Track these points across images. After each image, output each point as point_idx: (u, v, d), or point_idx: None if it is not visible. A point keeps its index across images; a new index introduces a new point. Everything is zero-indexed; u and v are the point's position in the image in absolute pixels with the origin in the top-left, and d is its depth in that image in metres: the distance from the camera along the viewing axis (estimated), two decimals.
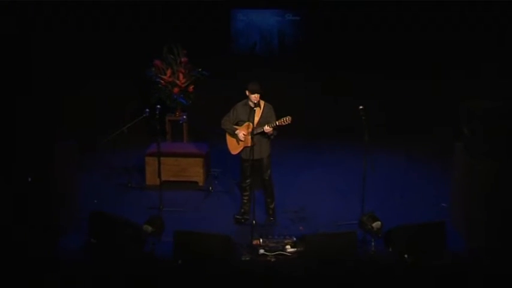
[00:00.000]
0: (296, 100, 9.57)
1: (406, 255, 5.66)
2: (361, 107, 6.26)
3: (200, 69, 8.68)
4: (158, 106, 6.95)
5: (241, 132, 6.42)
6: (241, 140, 6.38)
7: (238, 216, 6.71)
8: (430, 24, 8.89)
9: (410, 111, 9.40)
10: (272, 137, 6.37)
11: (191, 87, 8.73)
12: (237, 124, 6.48)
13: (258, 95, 6.23)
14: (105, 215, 6.11)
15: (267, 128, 6.19)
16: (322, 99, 9.82)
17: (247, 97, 6.33)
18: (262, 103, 6.38)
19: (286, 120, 6.13)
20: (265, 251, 5.84)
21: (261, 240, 5.95)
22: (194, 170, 7.71)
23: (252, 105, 6.30)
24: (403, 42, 9.12)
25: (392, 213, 6.61)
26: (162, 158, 7.03)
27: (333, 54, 9.63)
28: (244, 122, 6.40)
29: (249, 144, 6.31)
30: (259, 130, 6.30)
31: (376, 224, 6.03)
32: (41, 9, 8.49)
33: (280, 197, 6.90)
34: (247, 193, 6.61)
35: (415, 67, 9.12)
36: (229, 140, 6.54)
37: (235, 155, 6.53)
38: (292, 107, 10.03)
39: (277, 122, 6.16)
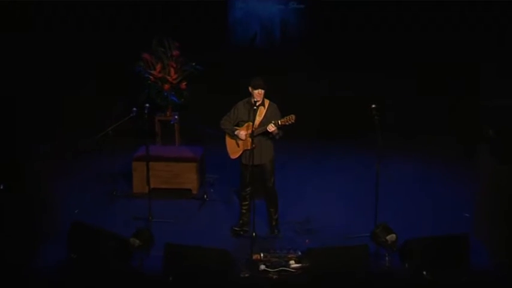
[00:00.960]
0: (300, 98, 9.59)
1: (424, 272, 5.66)
2: (373, 106, 6.29)
3: (194, 64, 8.68)
4: (147, 105, 6.93)
5: (241, 133, 6.39)
6: (242, 139, 6.36)
7: (236, 228, 6.70)
8: (447, 24, 9.23)
9: (423, 111, 9.57)
10: (277, 137, 6.35)
11: (184, 84, 8.73)
12: (237, 125, 6.48)
13: (262, 91, 6.23)
14: (87, 227, 6.08)
15: (271, 127, 6.20)
16: (329, 97, 9.90)
17: (250, 95, 6.34)
18: (266, 102, 6.39)
19: (290, 119, 6.13)
20: (267, 266, 5.83)
21: (262, 255, 5.95)
22: (187, 176, 7.71)
23: (255, 103, 6.30)
24: (416, 38, 9.38)
25: (409, 225, 6.61)
26: (151, 163, 7.06)
27: (342, 48, 9.70)
28: (246, 121, 6.40)
29: (249, 147, 6.31)
30: (260, 131, 6.30)
31: (391, 237, 6.03)
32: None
33: (284, 206, 6.89)
34: (246, 202, 6.60)
35: (427, 65, 9.36)
36: (229, 142, 6.53)
37: (235, 159, 6.52)
38: (296, 106, 10.05)
39: (280, 121, 6.16)
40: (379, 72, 9.42)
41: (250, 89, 6.30)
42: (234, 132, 6.43)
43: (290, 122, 6.12)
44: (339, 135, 9.69)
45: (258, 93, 6.25)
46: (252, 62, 9.46)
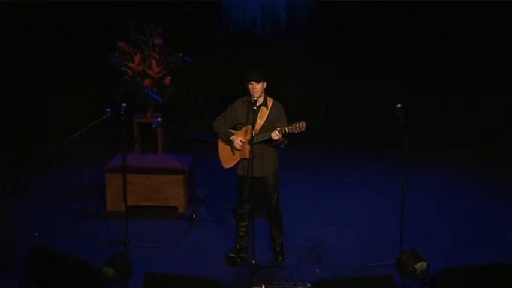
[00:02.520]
0: (309, 98, 9.67)
1: None
2: (399, 106, 6.30)
3: (180, 54, 8.67)
4: (123, 104, 6.92)
5: (238, 139, 6.39)
6: (238, 149, 6.36)
7: (232, 255, 6.68)
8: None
9: (452, 116, 9.86)
10: (282, 145, 6.36)
11: (168, 79, 8.72)
12: (234, 128, 6.48)
13: (256, 85, 6.23)
14: (49, 253, 6.06)
15: (275, 135, 6.16)
16: (344, 96, 10.00)
17: (249, 93, 6.36)
18: (270, 101, 6.41)
19: (299, 127, 6.11)
20: None
21: (263, 287, 5.89)
22: (172, 192, 7.71)
23: (255, 102, 6.28)
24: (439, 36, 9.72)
25: (442, 250, 6.65)
26: (128, 175, 7.05)
27: (360, 37, 9.80)
28: (244, 124, 6.41)
29: (247, 156, 6.29)
30: (262, 137, 6.30)
31: (421, 265, 5.99)
32: None
33: (290, 228, 6.90)
34: (245, 223, 6.59)
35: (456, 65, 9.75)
36: (222, 148, 6.53)
37: (229, 169, 6.52)
38: (304, 107, 10.23)
39: (287, 129, 6.15)
40: (399, 72, 9.79)
41: (246, 84, 6.32)
42: (229, 137, 6.42)
43: (299, 131, 6.12)
44: (355, 142, 9.83)
45: (251, 88, 6.26)
46: (251, 53, 9.54)
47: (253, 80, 6.24)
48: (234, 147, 6.42)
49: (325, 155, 9.75)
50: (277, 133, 6.16)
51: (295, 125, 6.12)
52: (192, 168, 7.81)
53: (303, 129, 6.09)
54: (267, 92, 6.40)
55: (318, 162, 9.48)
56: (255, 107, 6.26)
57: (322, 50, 9.95)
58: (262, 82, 6.27)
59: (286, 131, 6.15)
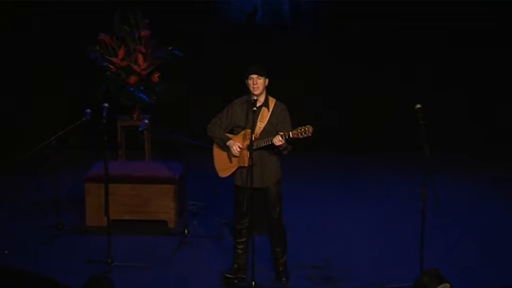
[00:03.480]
0: (316, 98, 9.66)
1: None
2: (418, 106, 6.30)
3: (170, 48, 8.69)
4: (105, 105, 6.89)
5: (235, 144, 6.38)
6: (236, 156, 6.37)
7: (229, 275, 6.65)
8: None
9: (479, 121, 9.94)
10: (285, 152, 6.34)
11: (156, 76, 8.75)
12: (231, 131, 6.47)
13: (257, 78, 6.23)
14: (20, 274, 6.03)
15: (277, 140, 6.14)
16: (355, 96, 10.04)
17: (248, 91, 6.36)
18: (272, 101, 6.39)
19: (305, 131, 6.08)
20: None
21: None
22: (161, 204, 7.71)
23: (255, 102, 6.27)
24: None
25: (467, 271, 6.64)
26: (111, 185, 7.03)
27: (373, 28, 9.85)
28: (243, 128, 6.40)
29: (246, 164, 6.28)
30: (262, 143, 6.28)
31: (443, 287, 6.00)
32: None
33: (294, 244, 6.89)
34: (243, 239, 6.57)
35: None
36: (218, 154, 6.53)
37: (226, 178, 6.51)
38: (310, 107, 10.26)
39: (291, 133, 6.14)
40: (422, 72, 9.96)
41: (246, 82, 6.32)
42: (225, 142, 6.41)
43: (305, 135, 6.10)
44: (369, 148, 9.86)
45: (251, 84, 6.25)
46: (251, 46, 9.55)
47: (254, 74, 6.23)
48: (231, 154, 6.40)
49: (335, 162, 9.78)
50: (280, 138, 6.14)
51: (301, 130, 6.10)
52: (183, 177, 7.77)
53: (310, 134, 6.07)
54: (269, 92, 6.40)
55: (326, 170, 9.51)
56: (255, 108, 6.24)
57: (330, 44, 10.01)
58: (264, 78, 6.27)
59: (290, 136, 6.12)
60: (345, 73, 10.02)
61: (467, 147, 9.80)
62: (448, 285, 6.02)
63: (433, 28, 9.76)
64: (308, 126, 6.06)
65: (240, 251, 6.60)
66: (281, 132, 6.16)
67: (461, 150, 9.74)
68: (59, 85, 9.88)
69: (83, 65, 8.97)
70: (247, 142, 6.27)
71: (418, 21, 9.71)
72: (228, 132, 6.45)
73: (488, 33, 9.78)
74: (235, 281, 6.56)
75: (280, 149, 6.24)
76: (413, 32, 9.82)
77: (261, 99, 6.33)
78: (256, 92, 6.25)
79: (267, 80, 6.31)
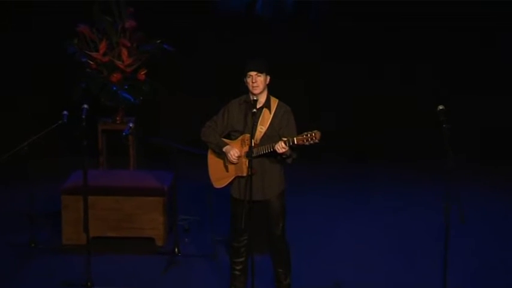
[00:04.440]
0: (323, 97, 9.71)
1: None
2: (440, 108, 6.31)
3: (159, 41, 8.70)
4: (85, 106, 6.90)
5: (232, 150, 6.37)
6: (233, 163, 6.39)
7: None
8: None
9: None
10: (289, 160, 6.34)
11: (142, 73, 8.76)
12: (228, 136, 6.49)
13: (256, 76, 6.24)
14: None
15: (280, 147, 6.13)
16: (370, 97, 10.07)
17: (247, 90, 6.35)
18: (274, 102, 6.41)
19: (312, 137, 6.07)
20: None
21: None
22: (148, 219, 7.72)
23: (254, 102, 6.27)
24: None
25: None
26: (91, 198, 7.03)
27: (388, 19, 9.92)
28: (241, 132, 6.41)
29: (245, 174, 6.28)
30: (263, 150, 6.28)
31: None
32: None
33: (300, 264, 6.89)
34: (241, 259, 6.59)
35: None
36: (213, 162, 6.55)
37: (222, 189, 6.53)
38: (317, 109, 10.24)
39: (295, 139, 6.12)
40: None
41: (244, 80, 6.33)
42: (221, 148, 6.41)
43: (311, 142, 6.08)
44: (384, 155, 9.90)
45: (250, 81, 6.25)
46: (250, 39, 9.56)
47: (253, 71, 6.23)
48: (228, 161, 6.40)
49: (344, 172, 9.80)
50: (283, 144, 6.12)
51: (307, 135, 6.08)
52: (173, 189, 7.79)
53: (317, 141, 6.06)
54: (271, 91, 6.40)
55: (335, 181, 9.53)
56: (254, 110, 6.23)
57: (338, 39, 10.07)
58: (264, 74, 6.26)
59: (295, 142, 6.11)
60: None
61: (493, 152, 9.88)
62: None
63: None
64: (315, 131, 6.05)
65: (237, 273, 6.60)
66: (284, 137, 6.15)
67: (487, 157, 9.80)
68: (34, 84, 9.88)
69: (59, 61, 8.96)
70: (246, 148, 6.27)
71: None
72: (225, 137, 6.45)
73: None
74: None
75: (284, 156, 6.23)
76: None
77: (262, 99, 6.33)
78: (255, 91, 6.25)
79: (268, 77, 6.30)
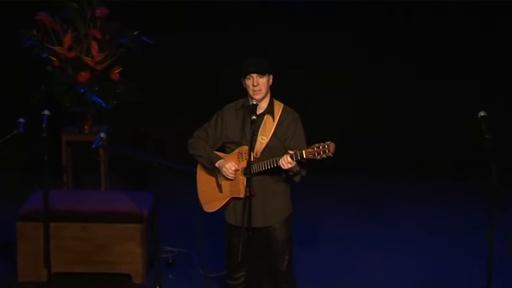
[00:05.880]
0: (338, 101, 9.78)
1: None
2: (482, 114, 6.36)
3: (136, 33, 8.74)
4: (46, 112, 6.91)
5: (228, 165, 6.38)
6: (230, 178, 6.40)
7: None
8: None
9: None
10: (297, 179, 6.36)
11: (116, 71, 8.82)
12: (222, 149, 6.52)
13: (258, 78, 6.28)
14: None
15: (286, 162, 6.12)
16: (399, 101, 10.27)
17: (246, 93, 6.40)
18: (278, 107, 6.45)
19: (325, 149, 6.07)
20: None
21: None
22: (123, 251, 7.73)
23: (254, 107, 6.29)
24: None
25: None
26: (53, 225, 7.07)
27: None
28: (238, 144, 6.43)
29: (242, 195, 6.29)
30: (265, 165, 6.28)
31: None
32: None
33: None
34: None
35: None
36: (203, 181, 6.60)
37: (214, 213, 6.56)
38: (331, 114, 10.27)
39: (304, 152, 6.11)
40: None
41: (242, 81, 6.36)
42: (214, 162, 6.43)
43: (325, 156, 6.08)
44: (414, 170, 10.02)
45: (251, 84, 6.28)
46: (251, 35, 9.63)
47: (254, 72, 6.24)
48: (222, 179, 6.42)
49: (366, 190, 9.84)
50: (289, 159, 6.12)
51: (318, 148, 6.07)
52: (154, 213, 7.60)
53: (331, 154, 6.05)
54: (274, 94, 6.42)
55: (354, 202, 9.56)
56: (254, 116, 6.24)
57: (360, 31, 10.19)
58: (267, 75, 6.28)
59: (304, 156, 6.10)
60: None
61: None
62: None
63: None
64: (329, 142, 6.03)
65: None
66: (291, 150, 6.14)
67: None
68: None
69: (14, 57, 8.97)
70: (244, 164, 6.26)
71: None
72: (218, 150, 6.46)
73: None
74: None
75: (290, 173, 6.24)
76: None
77: (264, 104, 6.35)
78: (257, 96, 6.27)
79: (271, 78, 6.32)
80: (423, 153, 10.21)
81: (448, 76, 10.29)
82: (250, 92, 6.28)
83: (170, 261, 8.01)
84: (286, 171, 6.20)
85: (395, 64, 10.33)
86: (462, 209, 9.17)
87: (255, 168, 6.21)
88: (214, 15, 10.06)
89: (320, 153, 6.04)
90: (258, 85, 6.25)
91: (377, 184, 9.94)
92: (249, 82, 6.27)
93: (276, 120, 6.35)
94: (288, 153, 6.13)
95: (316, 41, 10.16)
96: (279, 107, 6.39)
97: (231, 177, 6.35)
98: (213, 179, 6.47)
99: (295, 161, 6.13)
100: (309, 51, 10.15)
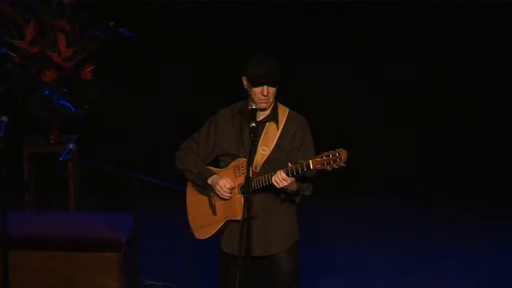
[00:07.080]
0: (353, 101, 9.89)
1: None
2: None
3: (112, 24, 8.80)
4: (4, 119, 6.89)
5: (222, 181, 6.40)
6: (226, 197, 6.44)
7: None
8: None
9: None
10: (298, 199, 6.40)
11: (88, 70, 8.86)
12: (216, 163, 6.58)
13: (271, 89, 6.33)
14: None
15: (279, 179, 6.15)
16: (433, 116, 10.47)
17: (246, 96, 6.47)
18: (283, 112, 6.52)
19: (336, 158, 6.09)
20: None
21: None
22: (97, 284, 7.75)
23: (254, 112, 6.32)
24: None
25: None
26: (13, 253, 7.05)
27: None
28: (234, 157, 6.47)
29: (239, 217, 6.27)
30: (265, 181, 6.30)
31: None
32: None
33: None
34: None
35: None
36: (193, 201, 6.66)
37: (206, 240, 6.61)
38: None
39: (311, 163, 6.19)
40: None
41: (245, 82, 6.38)
42: (206, 179, 6.46)
43: (336, 166, 6.10)
44: (441, 193, 10.15)
45: (259, 93, 6.30)
46: (251, 27, 9.74)
47: (265, 83, 6.25)
48: (216, 199, 6.42)
49: (386, 213, 9.84)
50: (283, 175, 6.14)
51: (328, 157, 6.08)
52: (133, 240, 7.81)
53: (343, 164, 6.06)
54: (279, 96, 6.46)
55: (371, 226, 9.63)
56: (253, 123, 6.24)
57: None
58: (277, 85, 6.31)
59: (310, 166, 6.11)
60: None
61: None
62: None
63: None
64: (340, 150, 6.05)
65: None
66: (300, 160, 6.15)
67: None
68: None
69: None
70: (242, 180, 6.26)
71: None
72: (211, 164, 6.47)
73: None
74: None
75: (288, 191, 6.25)
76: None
77: (266, 110, 6.37)
78: (264, 106, 6.30)
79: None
80: (454, 173, 10.35)
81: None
82: (256, 100, 6.28)
83: None
84: (282, 190, 6.21)
85: None
86: (496, 228, 9.34)
87: (254, 185, 6.21)
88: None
89: (330, 162, 6.06)
90: (268, 94, 6.26)
91: (398, 205, 10.09)
92: (257, 90, 6.26)
93: (281, 129, 6.37)
94: (283, 169, 6.12)
95: None
96: (284, 113, 6.41)
97: (226, 197, 6.36)
98: (206, 199, 6.50)
99: (301, 172, 6.12)
100: None
